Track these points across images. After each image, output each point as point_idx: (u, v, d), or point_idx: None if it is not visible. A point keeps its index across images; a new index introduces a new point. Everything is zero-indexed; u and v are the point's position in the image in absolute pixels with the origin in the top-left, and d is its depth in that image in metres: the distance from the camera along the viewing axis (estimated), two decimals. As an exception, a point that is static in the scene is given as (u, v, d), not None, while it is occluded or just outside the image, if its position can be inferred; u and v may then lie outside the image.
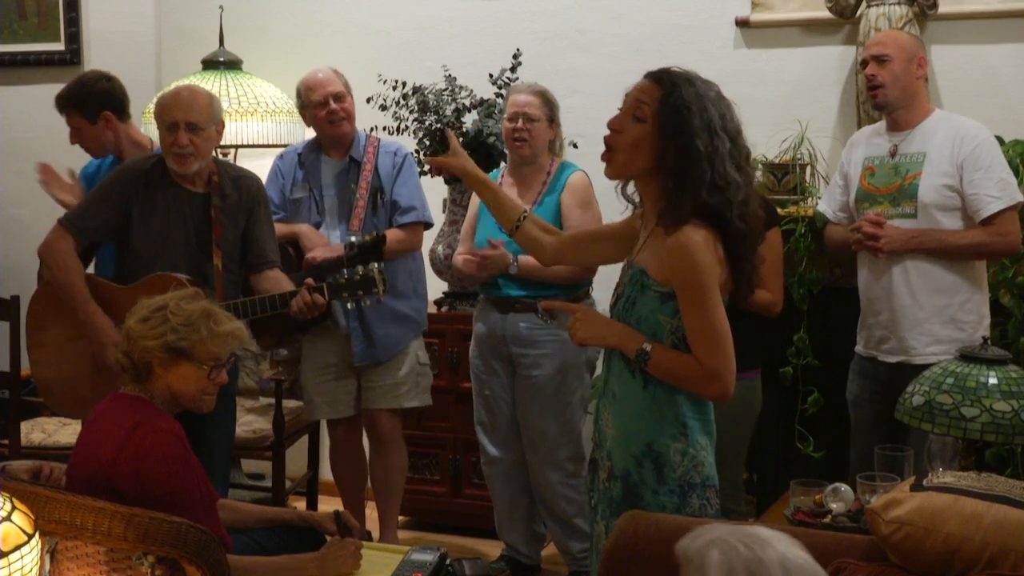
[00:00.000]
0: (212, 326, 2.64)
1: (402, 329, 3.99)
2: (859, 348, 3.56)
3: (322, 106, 3.90)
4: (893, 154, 3.42)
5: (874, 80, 3.40)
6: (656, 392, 2.42)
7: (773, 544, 1.57)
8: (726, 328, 2.36)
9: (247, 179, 3.64)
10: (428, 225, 4.07)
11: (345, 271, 3.53)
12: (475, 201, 3.97)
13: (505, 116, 3.82)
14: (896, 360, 3.40)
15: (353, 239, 3.64)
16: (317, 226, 3.96)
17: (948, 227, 3.33)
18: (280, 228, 3.88)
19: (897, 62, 3.38)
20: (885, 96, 3.40)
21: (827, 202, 3.66)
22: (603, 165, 2.47)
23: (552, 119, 3.81)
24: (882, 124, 3.53)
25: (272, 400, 4.24)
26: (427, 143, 4.38)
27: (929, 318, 3.35)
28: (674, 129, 2.33)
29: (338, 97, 3.91)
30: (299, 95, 4.00)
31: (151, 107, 3.99)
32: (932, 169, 3.33)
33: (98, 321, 3.43)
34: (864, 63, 3.48)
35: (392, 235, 3.82)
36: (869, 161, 3.49)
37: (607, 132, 2.43)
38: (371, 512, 4.24)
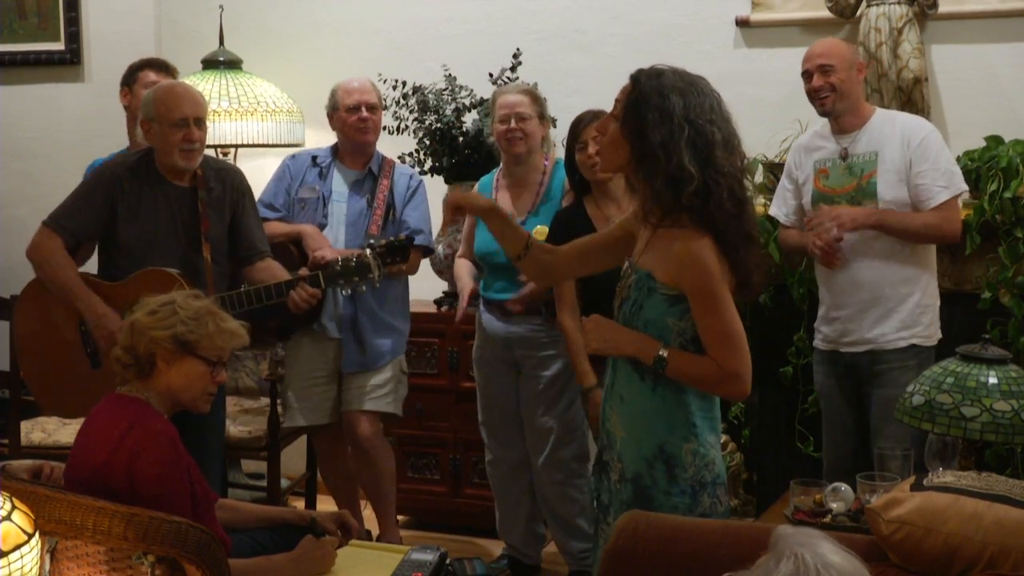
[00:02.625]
0: (219, 322, 2.67)
1: (393, 341, 3.99)
2: (818, 343, 3.64)
3: (354, 111, 3.90)
4: (844, 156, 3.51)
5: (821, 92, 3.50)
6: (665, 394, 2.42)
7: None
8: (740, 328, 2.38)
9: (229, 171, 3.66)
10: (430, 251, 4.09)
11: (339, 259, 3.53)
12: None
13: (495, 119, 3.80)
14: (865, 349, 3.50)
15: (372, 241, 3.63)
16: (321, 228, 3.93)
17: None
18: (283, 227, 3.89)
19: (840, 70, 3.48)
20: (833, 104, 3.50)
21: (778, 206, 3.72)
22: None
23: (542, 115, 3.81)
24: (825, 127, 3.61)
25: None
26: (427, 143, 4.38)
27: (895, 308, 3.45)
28: (632, 123, 2.36)
29: (371, 107, 3.92)
30: (332, 96, 3.97)
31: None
32: (886, 167, 3.44)
33: (100, 310, 3.41)
34: (807, 74, 3.54)
35: None
36: (820, 164, 3.57)
37: None
38: (369, 512, 4.23)
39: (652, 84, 2.36)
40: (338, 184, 3.98)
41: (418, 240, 3.89)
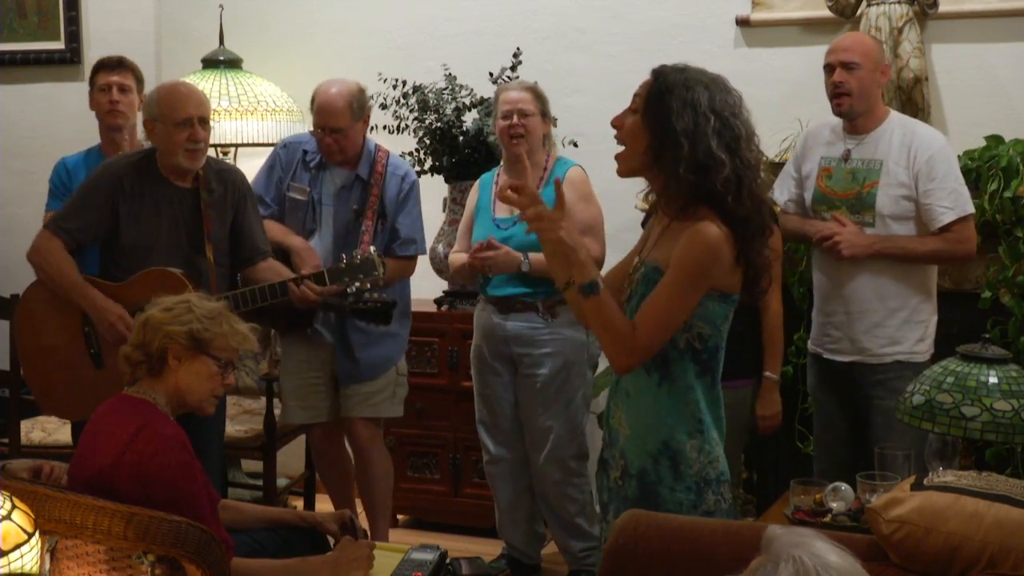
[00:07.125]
0: (233, 323, 2.69)
1: (389, 349, 3.91)
2: (810, 344, 3.65)
3: (320, 130, 3.77)
4: (846, 159, 3.44)
5: (842, 87, 3.39)
6: (672, 389, 2.41)
7: None
8: (677, 320, 2.35)
9: (230, 172, 3.65)
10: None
11: (344, 256, 3.53)
12: (471, 199, 3.97)
13: (498, 115, 3.79)
14: (849, 360, 3.46)
15: (353, 299, 3.55)
16: (311, 233, 3.85)
17: (903, 235, 3.40)
18: (274, 232, 3.78)
19: (864, 70, 3.38)
20: (851, 105, 3.41)
21: (780, 191, 3.65)
22: (604, 162, 2.52)
23: (544, 113, 3.80)
24: (839, 123, 3.53)
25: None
26: (427, 142, 4.38)
27: (884, 320, 3.41)
28: (654, 112, 2.35)
29: (335, 131, 3.73)
30: (312, 101, 3.82)
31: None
32: (888, 179, 3.37)
33: (101, 302, 3.41)
34: (829, 67, 3.44)
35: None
36: (825, 162, 3.51)
37: (608, 130, 2.46)
38: (364, 512, 4.22)
39: (677, 76, 2.36)
40: (327, 188, 3.85)
41: (410, 251, 3.87)
